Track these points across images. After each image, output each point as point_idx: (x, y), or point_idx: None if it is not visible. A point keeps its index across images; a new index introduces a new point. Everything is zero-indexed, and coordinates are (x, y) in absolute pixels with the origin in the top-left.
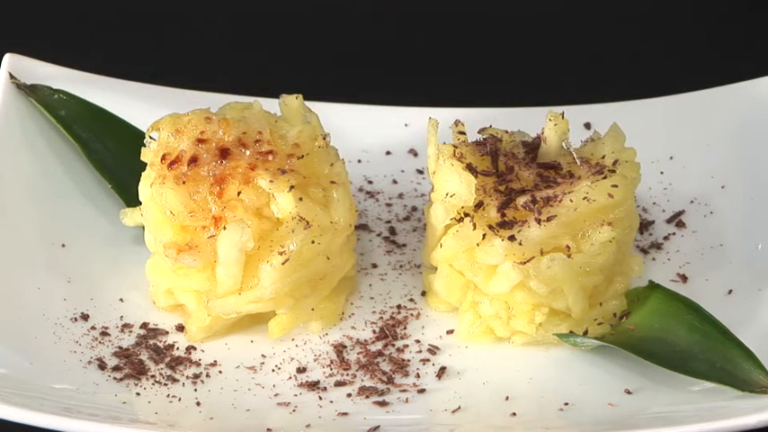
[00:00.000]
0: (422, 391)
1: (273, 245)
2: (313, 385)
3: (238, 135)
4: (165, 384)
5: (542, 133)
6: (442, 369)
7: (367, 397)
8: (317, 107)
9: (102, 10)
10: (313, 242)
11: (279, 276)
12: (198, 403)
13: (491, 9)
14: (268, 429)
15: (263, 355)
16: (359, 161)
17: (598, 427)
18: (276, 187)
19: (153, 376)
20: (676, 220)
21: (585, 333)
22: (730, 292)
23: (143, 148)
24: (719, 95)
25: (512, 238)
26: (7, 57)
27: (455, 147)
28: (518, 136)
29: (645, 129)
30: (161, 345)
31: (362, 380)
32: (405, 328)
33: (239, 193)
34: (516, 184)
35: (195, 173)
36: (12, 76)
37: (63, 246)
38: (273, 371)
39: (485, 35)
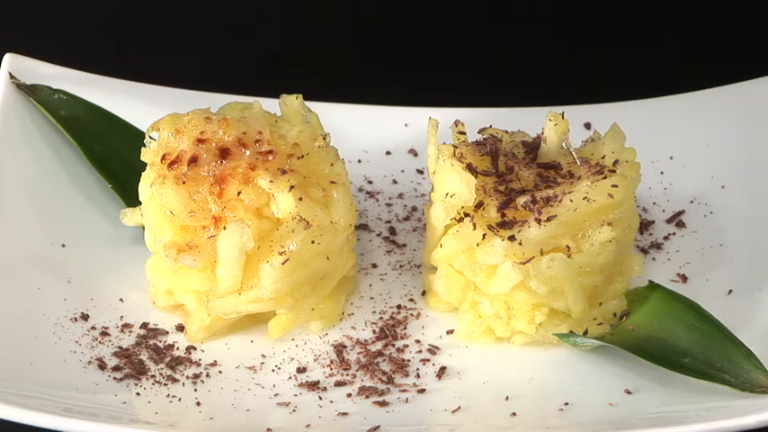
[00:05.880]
0: (422, 391)
1: (273, 245)
2: (313, 385)
3: (238, 135)
4: (165, 384)
5: (542, 133)
6: (442, 369)
7: (367, 397)
8: (316, 107)
9: (103, 10)
10: (313, 242)
11: (279, 276)
12: (198, 403)
13: (492, 9)
14: (268, 429)
15: (263, 355)
16: (359, 161)
17: (598, 427)
18: (276, 187)
19: (153, 376)
20: (676, 220)
21: (585, 333)
22: (730, 292)
23: (143, 148)
24: (719, 95)
25: (512, 238)
26: (7, 57)
27: (455, 147)
28: (518, 136)
29: (645, 129)
30: (161, 345)
31: (362, 380)
32: (405, 328)
33: (239, 193)
34: (516, 184)
35: (195, 173)
36: (12, 76)
37: (63, 246)
38: (273, 371)
39: (485, 35)
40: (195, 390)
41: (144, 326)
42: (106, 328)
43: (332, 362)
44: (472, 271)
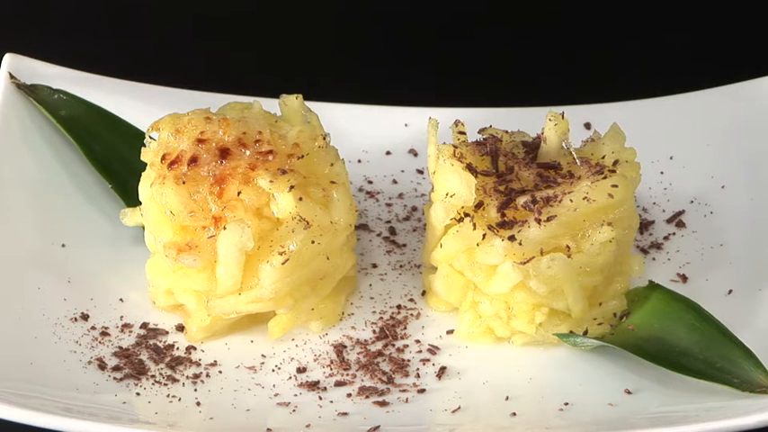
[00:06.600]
0: (422, 391)
1: (273, 245)
2: (313, 385)
3: (238, 135)
4: (165, 384)
5: (542, 133)
6: (442, 369)
7: (367, 397)
8: (316, 107)
9: (103, 10)
10: (313, 242)
11: (279, 276)
12: (198, 403)
13: (491, 9)
14: (268, 429)
15: (263, 355)
16: (359, 161)
17: (598, 427)
18: (276, 187)
19: (153, 376)
20: (676, 220)
21: (585, 333)
22: (730, 292)
23: (143, 148)
24: (719, 95)
25: (512, 238)
26: (7, 57)
27: (455, 147)
28: (518, 136)
29: (645, 129)
30: (161, 345)
31: (362, 380)
32: (405, 328)
33: (239, 193)
34: (516, 184)
35: (195, 173)
36: (12, 76)
37: (63, 246)
38: (273, 371)
39: (485, 35)
40: (195, 390)
41: (144, 326)
42: (106, 328)
43: (332, 362)
44: (472, 271)
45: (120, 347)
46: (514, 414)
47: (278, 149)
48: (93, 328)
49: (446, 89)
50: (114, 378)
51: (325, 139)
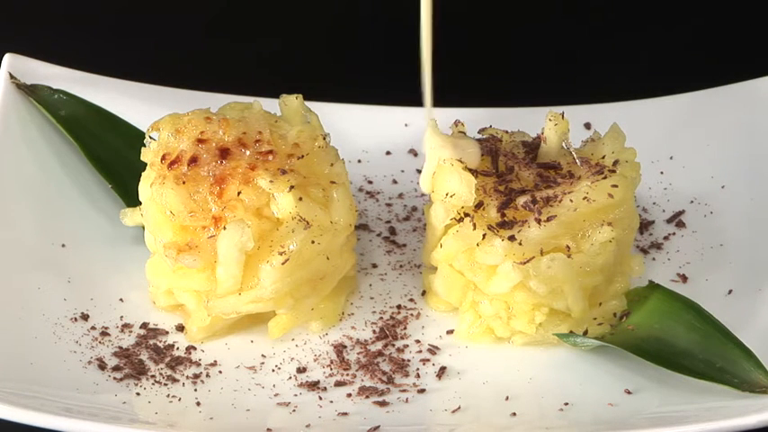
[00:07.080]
0: (422, 391)
1: (273, 245)
2: (313, 385)
3: (238, 135)
4: (165, 384)
5: (542, 133)
6: (442, 369)
7: (367, 397)
8: (316, 107)
9: (103, 10)
10: (313, 242)
11: (279, 276)
12: (198, 403)
13: (491, 9)
14: (268, 429)
15: (263, 355)
16: (359, 161)
17: (598, 427)
18: (276, 187)
19: (153, 376)
20: (676, 220)
21: (585, 333)
22: (730, 292)
23: (143, 148)
24: (719, 95)
25: (512, 238)
26: (7, 57)
27: None
28: (518, 136)
29: (645, 129)
30: (161, 345)
31: (362, 380)
32: (405, 328)
33: (239, 193)
34: (516, 184)
35: (195, 173)
36: (12, 76)
37: (63, 246)
38: (273, 371)
39: (485, 35)
40: (195, 390)
41: (144, 326)
42: (106, 328)
43: (332, 362)
44: (472, 271)
45: (120, 347)
46: (514, 414)
47: (278, 149)
48: (93, 328)
49: (446, 89)
50: (114, 378)
51: (325, 139)
